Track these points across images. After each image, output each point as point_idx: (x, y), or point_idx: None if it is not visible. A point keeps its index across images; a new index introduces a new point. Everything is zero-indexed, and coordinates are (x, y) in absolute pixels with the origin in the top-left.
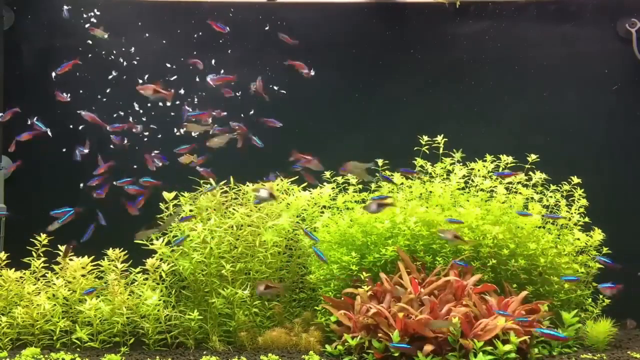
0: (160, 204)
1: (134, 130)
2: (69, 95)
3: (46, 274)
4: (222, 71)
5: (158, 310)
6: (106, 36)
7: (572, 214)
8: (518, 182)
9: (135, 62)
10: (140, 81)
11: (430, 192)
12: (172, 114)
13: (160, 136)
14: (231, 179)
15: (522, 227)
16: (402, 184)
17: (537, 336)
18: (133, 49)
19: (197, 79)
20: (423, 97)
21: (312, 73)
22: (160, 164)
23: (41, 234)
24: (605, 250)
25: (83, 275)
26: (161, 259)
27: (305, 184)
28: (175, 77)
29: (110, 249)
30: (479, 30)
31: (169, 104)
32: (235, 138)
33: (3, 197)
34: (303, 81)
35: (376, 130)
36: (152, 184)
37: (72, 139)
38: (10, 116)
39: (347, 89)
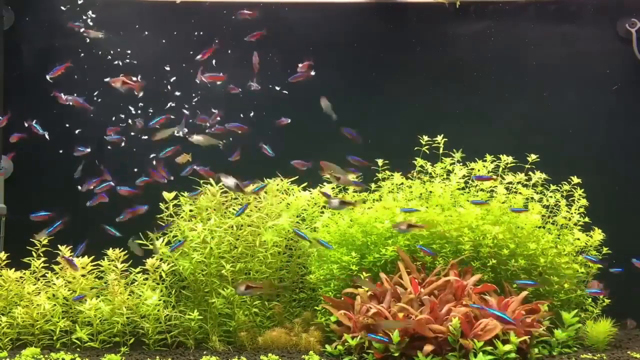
0: (160, 204)
1: (138, 125)
2: (67, 97)
3: (46, 274)
4: (221, 73)
5: (158, 310)
6: (100, 35)
7: (572, 214)
8: (518, 182)
9: (135, 63)
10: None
11: (430, 192)
12: (172, 117)
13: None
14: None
15: (522, 227)
16: (402, 184)
17: (537, 336)
18: (133, 49)
19: (198, 81)
20: (423, 97)
21: (312, 73)
22: (166, 180)
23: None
24: (605, 250)
25: (83, 275)
26: (161, 259)
27: (305, 184)
28: (174, 78)
29: (110, 249)
30: (479, 30)
31: (168, 104)
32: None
33: (3, 197)
34: (303, 81)
35: (376, 130)
36: (145, 182)
37: (72, 139)
38: (5, 122)
39: (347, 89)
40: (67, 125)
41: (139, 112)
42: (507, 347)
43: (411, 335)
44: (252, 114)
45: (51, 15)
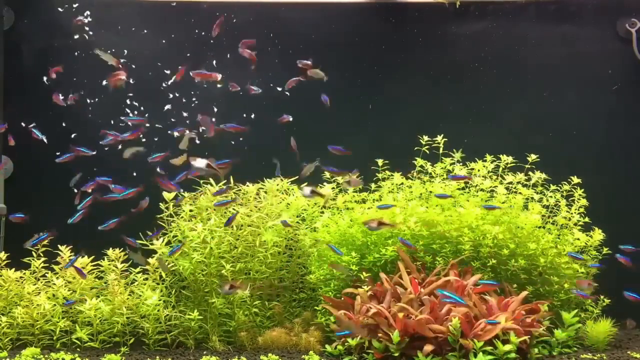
0: (161, 204)
1: (146, 124)
2: (64, 98)
3: (46, 274)
4: (221, 76)
5: (158, 310)
6: (112, 60)
7: (572, 214)
8: (518, 182)
9: (135, 63)
10: (132, 81)
11: (430, 192)
12: (173, 120)
13: (157, 139)
14: (231, 179)
15: (522, 227)
16: (402, 184)
17: (537, 336)
18: (133, 49)
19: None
20: (423, 97)
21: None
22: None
23: (41, 234)
24: (605, 250)
25: None
26: (161, 259)
27: (305, 183)
28: (172, 79)
29: (110, 249)
30: (479, 30)
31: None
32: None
33: (3, 197)
34: (303, 81)
35: (376, 130)
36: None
37: (72, 139)
38: (4, 130)
39: (347, 89)
40: (67, 125)
41: (135, 112)
42: (507, 347)
43: (411, 335)
44: (253, 116)
45: (51, 15)
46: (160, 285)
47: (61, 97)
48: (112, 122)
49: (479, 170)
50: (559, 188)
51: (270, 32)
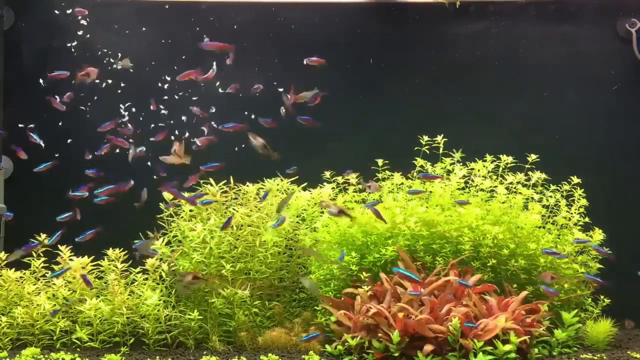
0: (161, 204)
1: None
2: (61, 100)
3: (46, 274)
4: (213, 70)
5: (158, 310)
6: (130, 65)
7: (572, 214)
8: (518, 182)
9: (135, 63)
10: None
11: (430, 192)
12: (171, 121)
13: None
14: (231, 179)
15: (522, 227)
16: (402, 184)
17: (537, 336)
18: (133, 49)
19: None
20: (423, 97)
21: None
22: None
23: (41, 234)
24: (605, 250)
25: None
26: (161, 259)
27: (305, 184)
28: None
29: (110, 249)
30: (479, 30)
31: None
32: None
33: (3, 197)
34: (303, 81)
35: (376, 130)
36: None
37: (71, 139)
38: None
39: (347, 89)
40: (66, 125)
41: (130, 113)
42: (507, 347)
43: (411, 335)
44: (253, 116)
45: (51, 15)
46: (160, 285)
47: (58, 100)
48: (112, 121)
49: (479, 170)
50: (559, 188)
51: (270, 32)
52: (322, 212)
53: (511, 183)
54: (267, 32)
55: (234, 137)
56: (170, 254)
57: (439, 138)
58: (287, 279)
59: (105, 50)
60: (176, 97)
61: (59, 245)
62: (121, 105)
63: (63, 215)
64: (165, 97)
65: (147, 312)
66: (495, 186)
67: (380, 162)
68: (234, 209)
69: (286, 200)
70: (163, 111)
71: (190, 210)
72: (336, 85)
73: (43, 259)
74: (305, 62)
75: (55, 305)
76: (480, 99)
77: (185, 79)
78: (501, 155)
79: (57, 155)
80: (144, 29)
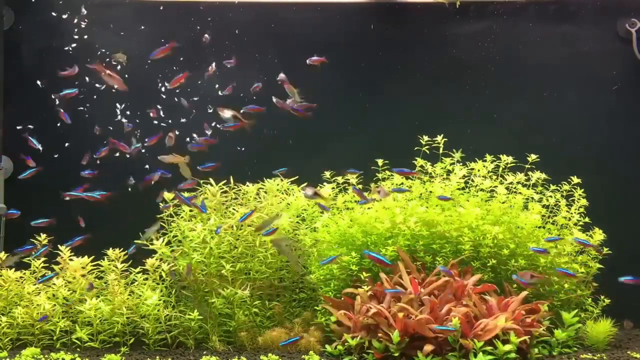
0: (161, 204)
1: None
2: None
3: (46, 274)
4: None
5: (158, 310)
6: (124, 58)
7: (572, 214)
8: (518, 182)
9: (134, 63)
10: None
11: (430, 192)
12: (170, 121)
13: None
14: (231, 179)
15: (522, 227)
16: (401, 184)
17: (537, 336)
18: (132, 49)
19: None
20: (423, 97)
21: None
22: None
23: (41, 234)
24: (605, 250)
25: (83, 276)
26: (161, 259)
27: (305, 184)
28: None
29: (110, 249)
30: (479, 30)
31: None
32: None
33: (3, 197)
34: (303, 81)
35: (376, 130)
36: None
37: (72, 139)
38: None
39: (347, 89)
40: (65, 126)
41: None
42: (507, 347)
43: (411, 335)
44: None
45: (51, 15)
46: (160, 285)
47: (66, 115)
48: (112, 121)
49: (479, 170)
50: (559, 188)
51: (270, 32)
52: (322, 212)
53: (511, 183)
54: (267, 32)
55: (234, 138)
56: (171, 254)
57: (439, 138)
58: (287, 279)
59: (104, 50)
60: (176, 99)
61: (59, 245)
62: (118, 105)
63: (38, 221)
64: (164, 97)
65: (147, 312)
66: (495, 186)
67: (380, 162)
68: (234, 209)
69: (268, 222)
70: (162, 113)
71: (190, 210)
72: (336, 85)
73: (43, 259)
74: (308, 62)
75: (55, 305)
76: (480, 99)
77: (176, 85)
78: (501, 155)
79: (56, 156)
80: (142, 27)
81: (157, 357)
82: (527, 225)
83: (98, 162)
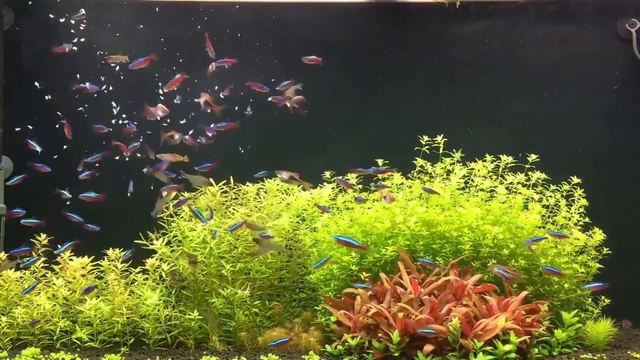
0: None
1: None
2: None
3: (46, 274)
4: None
5: (158, 310)
6: (125, 58)
7: (572, 213)
8: (518, 182)
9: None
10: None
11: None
12: (168, 122)
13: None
14: (231, 179)
15: (522, 227)
16: (402, 184)
17: (537, 336)
18: (132, 49)
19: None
20: (423, 97)
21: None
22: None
23: (41, 234)
24: (605, 250)
25: (83, 276)
26: (161, 259)
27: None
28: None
29: (110, 249)
30: (479, 30)
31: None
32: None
33: (3, 197)
34: (303, 81)
35: (376, 130)
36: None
37: (71, 139)
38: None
39: (347, 89)
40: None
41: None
42: (507, 347)
43: (411, 335)
44: (250, 113)
45: (51, 15)
46: (160, 285)
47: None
48: (112, 122)
49: (479, 170)
50: (559, 188)
51: (270, 32)
52: (322, 213)
53: (511, 183)
54: (267, 32)
55: (235, 138)
56: (171, 254)
57: (439, 138)
58: (287, 279)
59: (102, 52)
60: (176, 101)
61: (59, 246)
62: (114, 103)
63: (27, 220)
64: (162, 97)
65: (147, 312)
66: (495, 186)
67: (380, 162)
68: (234, 209)
69: (257, 228)
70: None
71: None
72: (336, 85)
73: (43, 259)
74: (304, 61)
75: (55, 305)
76: (480, 99)
77: (172, 88)
78: (501, 155)
79: (55, 156)
80: (142, 28)
81: (157, 357)
82: (527, 225)
83: (97, 164)
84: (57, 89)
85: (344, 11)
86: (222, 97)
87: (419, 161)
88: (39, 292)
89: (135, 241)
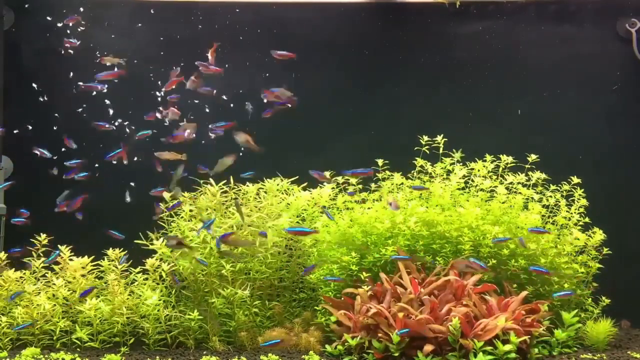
0: (161, 204)
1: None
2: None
3: (46, 274)
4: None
5: (158, 310)
6: (120, 61)
7: (572, 214)
8: (518, 182)
9: (134, 63)
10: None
11: (430, 192)
12: (167, 123)
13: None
14: (231, 179)
15: (522, 227)
16: (402, 184)
17: (537, 336)
18: (131, 49)
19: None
20: (423, 97)
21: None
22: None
23: (41, 234)
24: (605, 250)
25: (83, 276)
26: (161, 259)
27: (305, 183)
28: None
29: (110, 249)
30: (479, 30)
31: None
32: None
33: (3, 197)
34: (303, 81)
35: (376, 130)
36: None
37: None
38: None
39: (347, 89)
40: (63, 128)
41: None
42: (507, 347)
43: (411, 335)
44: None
45: (51, 15)
46: (160, 285)
47: (71, 142)
48: (110, 128)
49: (479, 170)
50: (559, 188)
51: (270, 32)
52: (322, 213)
53: (511, 183)
54: (267, 32)
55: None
56: (171, 255)
57: (439, 138)
58: (287, 279)
59: (100, 53)
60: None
61: (59, 245)
62: (110, 101)
63: (16, 219)
64: (160, 98)
65: (147, 312)
66: (495, 186)
67: (380, 162)
68: (234, 208)
69: (244, 243)
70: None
71: (190, 210)
72: (336, 85)
73: (43, 259)
74: (274, 56)
75: (55, 305)
76: (480, 99)
77: (171, 88)
78: (501, 155)
79: (55, 157)
80: (142, 28)
81: (157, 357)
82: (527, 225)
83: (97, 165)
84: (57, 89)
85: (344, 11)
86: (224, 98)
87: (419, 161)
88: (39, 292)
89: (135, 241)
